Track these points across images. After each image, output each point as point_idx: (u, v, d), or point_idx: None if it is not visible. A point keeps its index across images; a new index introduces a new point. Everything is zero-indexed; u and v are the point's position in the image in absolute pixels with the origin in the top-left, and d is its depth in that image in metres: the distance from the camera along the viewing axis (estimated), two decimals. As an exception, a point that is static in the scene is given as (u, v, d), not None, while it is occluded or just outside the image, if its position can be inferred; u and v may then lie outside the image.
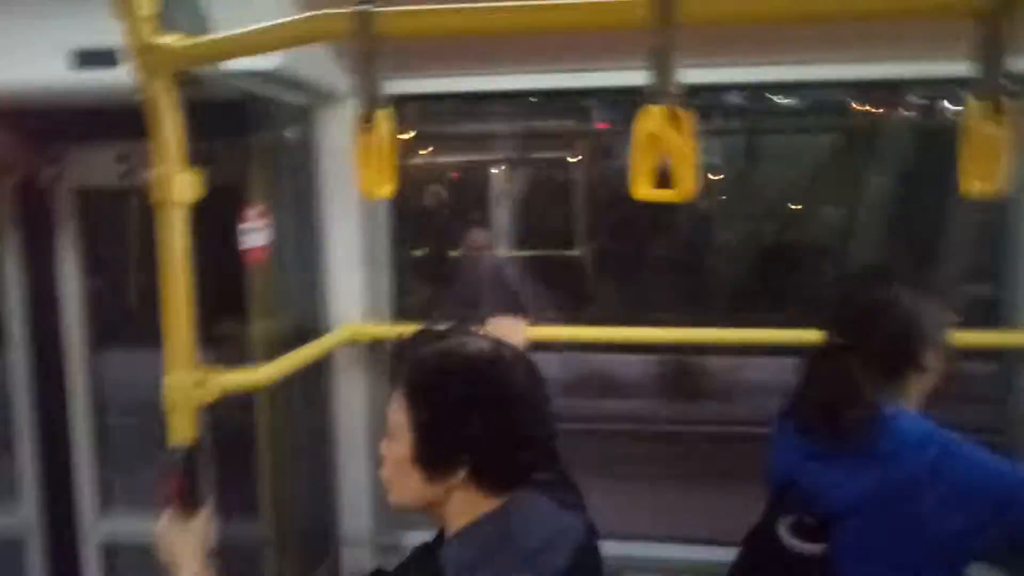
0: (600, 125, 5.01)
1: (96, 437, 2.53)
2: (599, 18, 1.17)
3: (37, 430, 2.54)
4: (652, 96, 1.18)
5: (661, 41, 1.15)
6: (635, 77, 2.05)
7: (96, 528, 2.53)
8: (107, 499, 2.59)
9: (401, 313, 2.51)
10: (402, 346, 1.28)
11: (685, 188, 1.18)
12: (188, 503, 1.55)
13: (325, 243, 2.32)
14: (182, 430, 1.54)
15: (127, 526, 2.55)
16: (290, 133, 2.14)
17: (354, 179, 2.25)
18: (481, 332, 1.31)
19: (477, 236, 5.11)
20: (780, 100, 4.19)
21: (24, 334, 2.50)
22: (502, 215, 5.88)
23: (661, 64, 1.17)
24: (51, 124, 2.24)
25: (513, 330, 2.14)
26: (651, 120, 1.18)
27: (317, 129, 2.23)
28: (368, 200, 2.30)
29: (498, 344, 1.23)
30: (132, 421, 2.67)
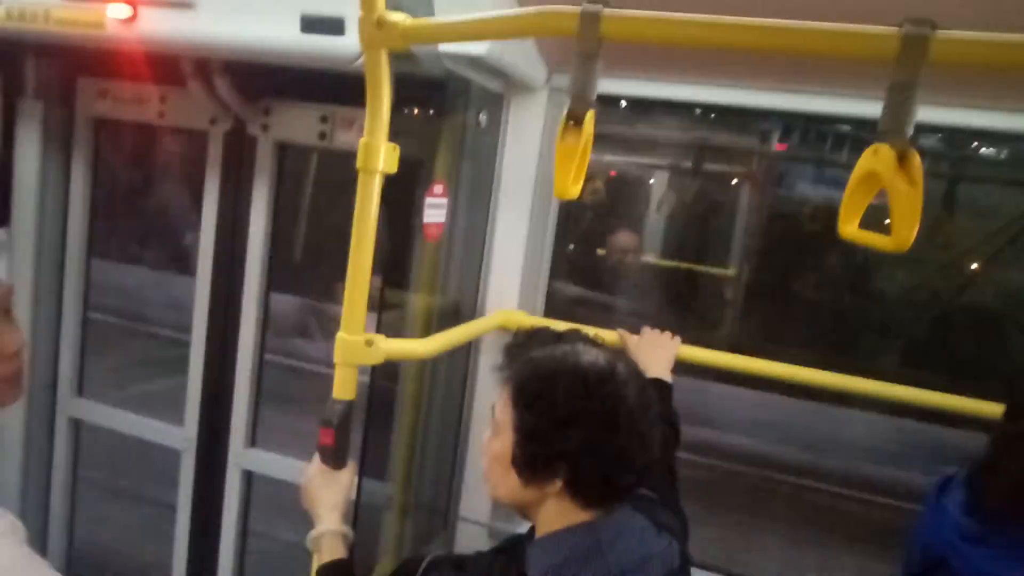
0: (778, 146, 4.78)
1: (255, 373, 2.72)
2: (847, 46, 1.10)
3: (207, 356, 2.77)
4: (884, 134, 1.10)
5: (907, 78, 1.07)
6: (840, 105, 1.97)
7: (243, 456, 2.73)
8: (255, 432, 2.79)
9: (552, 307, 2.53)
10: (518, 342, 1.27)
11: (903, 237, 1.10)
12: (339, 455, 1.64)
13: (494, 228, 2.36)
14: (345, 385, 1.63)
15: (268, 460, 2.73)
16: (481, 117, 2.19)
17: (533, 169, 2.31)
18: (599, 341, 1.29)
19: (625, 239, 5.04)
20: (987, 149, 3.83)
21: (209, 268, 2.72)
22: (656, 222, 5.76)
23: (901, 102, 1.09)
24: (267, 80, 2.43)
25: (661, 344, 2.09)
26: (878, 159, 1.11)
27: (506, 116, 2.27)
28: (542, 193, 2.33)
29: (614, 358, 1.20)
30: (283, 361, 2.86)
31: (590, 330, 1.34)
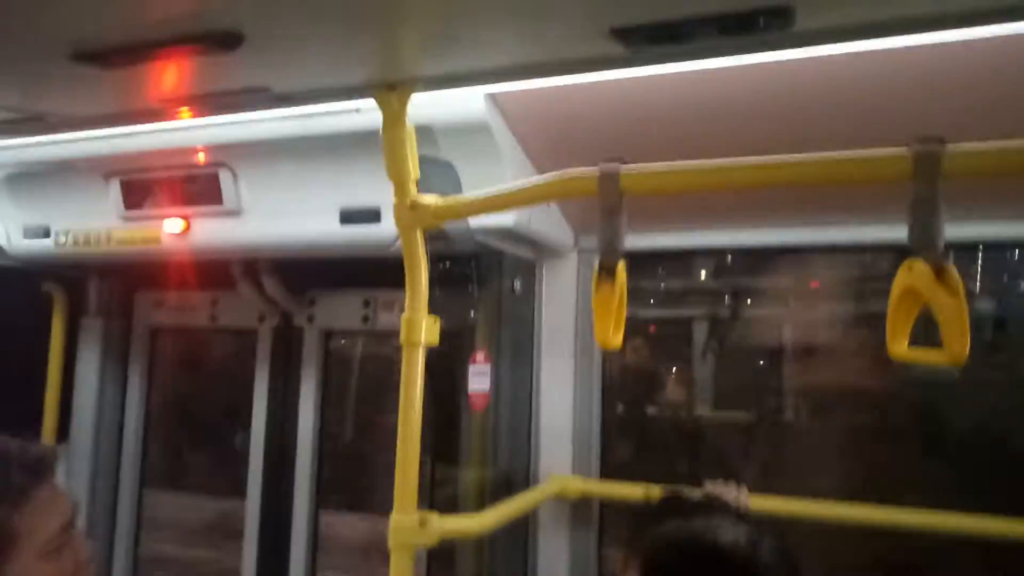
0: (813, 283, 4.77)
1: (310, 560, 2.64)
2: (861, 172, 1.14)
3: (259, 551, 2.71)
4: (916, 250, 1.10)
5: (927, 192, 1.09)
6: (865, 233, 1.99)
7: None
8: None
9: (606, 469, 2.44)
10: (647, 513, 1.18)
11: (956, 351, 1.07)
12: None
13: (539, 392, 2.35)
14: (402, 569, 1.56)
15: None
16: (516, 285, 2.25)
17: (571, 330, 2.33)
18: (739, 511, 1.17)
19: (674, 394, 4.95)
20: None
21: (260, 464, 2.72)
22: (703, 372, 5.66)
23: (926, 217, 1.10)
24: (311, 273, 2.56)
25: (728, 497, 1.98)
26: (914, 275, 1.11)
27: (540, 282, 2.34)
28: (584, 352, 2.33)
29: (757, 536, 1.08)
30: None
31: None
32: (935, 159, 1.08)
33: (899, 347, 1.11)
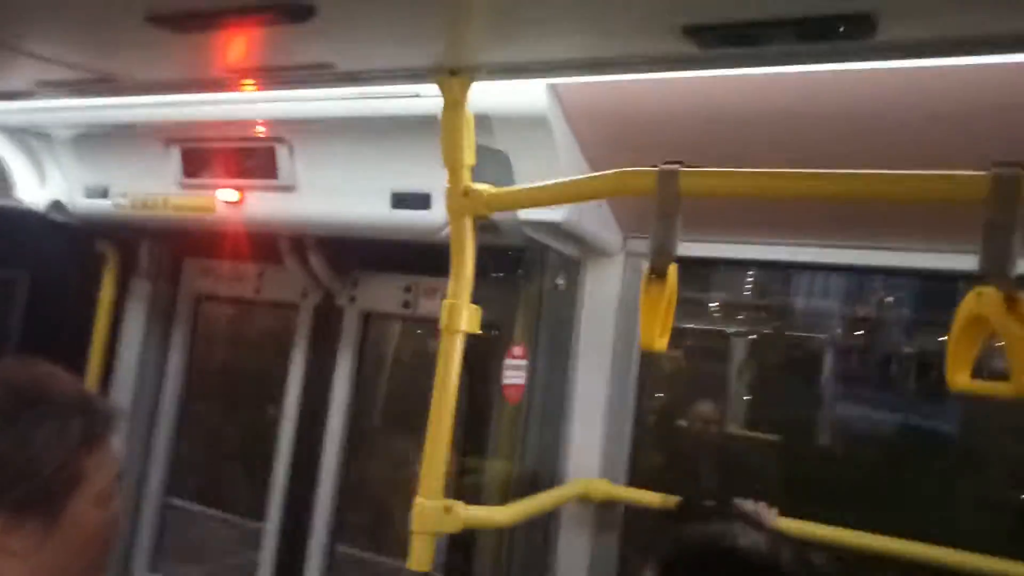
0: (860, 308, 4.66)
1: (332, 535, 2.66)
2: (933, 192, 1.10)
3: (281, 526, 2.74)
4: (987, 277, 1.06)
5: (1003, 218, 1.04)
6: (919, 260, 1.92)
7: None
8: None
9: (635, 476, 2.40)
10: (665, 519, 1.17)
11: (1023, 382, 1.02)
12: (415, 632, 1.53)
13: (573, 392, 2.33)
14: (422, 556, 1.56)
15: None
16: (559, 282, 2.23)
17: (610, 333, 2.30)
18: (758, 520, 1.16)
19: (706, 409, 4.87)
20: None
21: (291, 434, 2.75)
22: (739, 390, 5.57)
23: (999, 243, 1.05)
24: (355, 253, 2.58)
25: (756, 519, 1.94)
26: (983, 303, 1.06)
27: (584, 281, 2.31)
28: (622, 356, 2.30)
29: (777, 542, 1.07)
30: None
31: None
32: (1015, 183, 1.04)
33: (961, 378, 1.07)
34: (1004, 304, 1.03)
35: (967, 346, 1.11)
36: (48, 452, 1.08)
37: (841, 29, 1.06)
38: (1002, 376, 1.04)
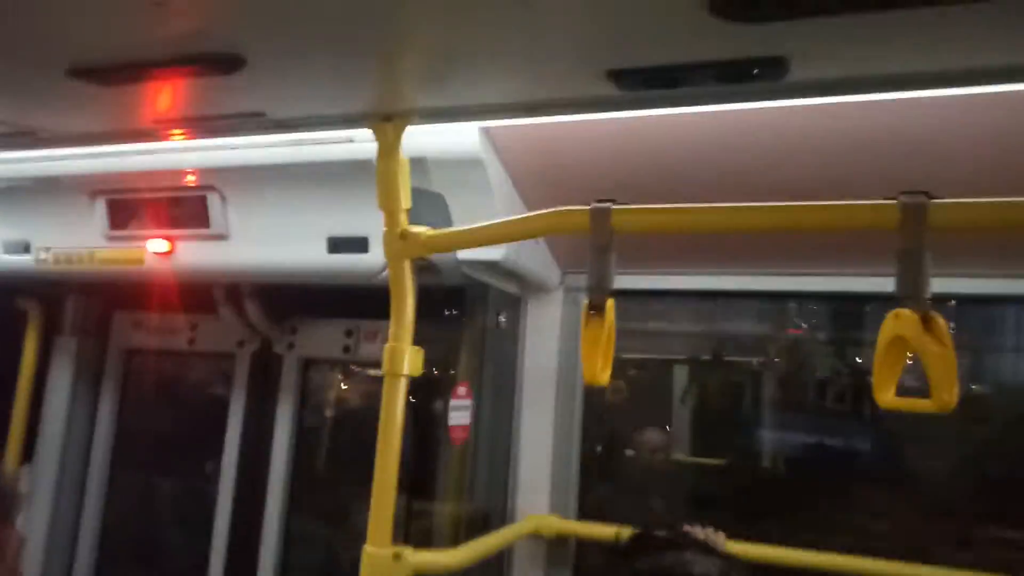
0: (792, 331, 4.81)
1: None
2: (849, 220, 1.16)
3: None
4: (903, 300, 1.12)
5: (914, 243, 1.11)
6: (847, 283, 2.02)
7: None
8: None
9: (583, 510, 2.41)
10: (621, 551, 1.18)
11: (944, 398, 1.08)
12: None
13: (519, 428, 2.33)
14: (374, 605, 1.52)
15: None
16: (500, 319, 2.25)
17: (553, 367, 2.32)
18: (708, 547, 1.18)
19: (652, 437, 4.92)
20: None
21: (231, 487, 2.67)
22: (682, 417, 5.64)
23: (912, 267, 1.12)
24: (294, 300, 2.54)
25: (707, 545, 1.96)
26: (901, 324, 1.12)
27: (524, 317, 2.33)
28: (565, 390, 2.32)
29: (727, 568, 1.10)
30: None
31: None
32: (922, 211, 1.11)
33: (886, 396, 1.12)
34: (921, 324, 1.09)
35: (890, 365, 1.16)
36: None
37: (756, 72, 1.12)
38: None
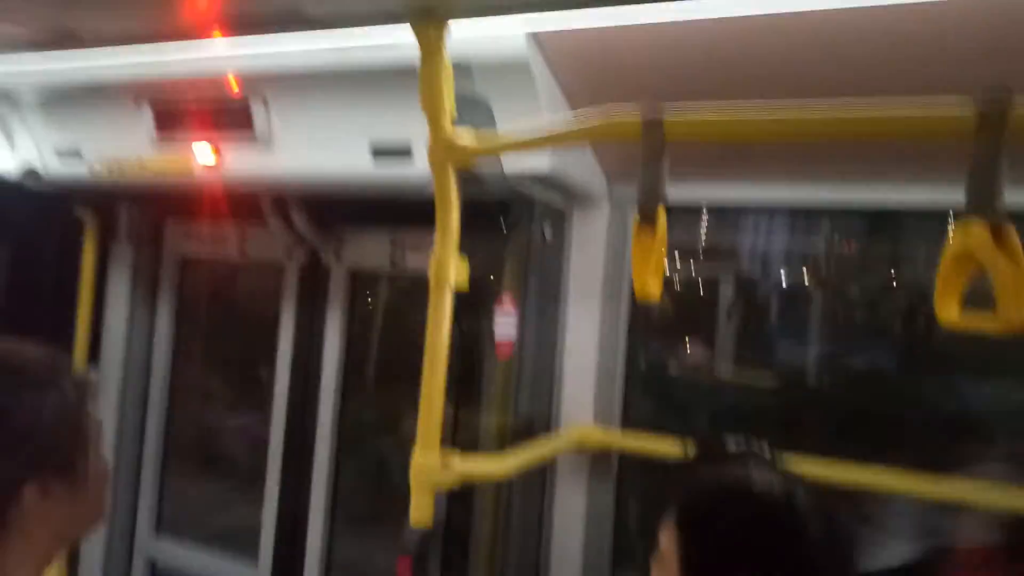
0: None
1: (330, 499, 2.68)
2: (919, 124, 1.08)
3: (281, 488, 2.76)
4: (974, 211, 1.05)
5: (990, 149, 1.03)
6: (908, 194, 1.91)
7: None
8: (329, 563, 2.71)
9: (628, 421, 2.43)
10: (681, 467, 1.17)
11: (1013, 317, 1.02)
12: (417, 584, 1.55)
13: (563, 342, 2.33)
14: (422, 510, 1.57)
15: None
16: (546, 232, 2.21)
17: (599, 280, 2.29)
18: (772, 462, 1.15)
19: (695, 352, 4.90)
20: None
21: (284, 398, 2.76)
22: (728, 332, 5.60)
23: (986, 174, 1.04)
24: (340, 211, 2.54)
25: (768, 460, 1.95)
26: (970, 236, 1.05)
27: (570, 231, 2.29)
28: (611, 303, 2.30)
29: (793, 484, 1.07)
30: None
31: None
32: (1002, 111, 1.02)
33: (950, 312, 1.06)
34: (991, 238, 1.03)
35: (955, 280, 1.10)
36: (61, 420, 1.14)
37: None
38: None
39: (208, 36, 1.68)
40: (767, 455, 1.13)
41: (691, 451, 1.16)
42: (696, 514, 1.07)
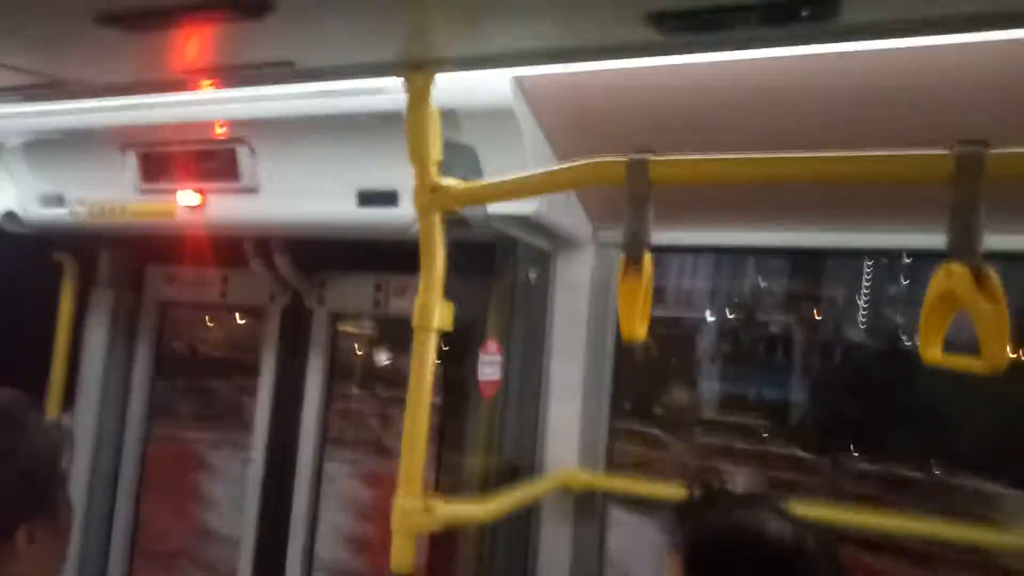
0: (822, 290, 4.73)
1: (308, 544, 2.63)
2: (900, 172, 1.10)
3: (259, 527, 2.70)
4: (955, 254, 1.07)
5: (969, 196, 1.06)
6: (890, 239, 1.95)
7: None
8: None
9: (611, 464, 2.41)
10: (689, 506, 1.16)
11: (994, 358, 1.04)
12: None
13: (548, 384, 2.32)
14: (403, 556, 1.54)
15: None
16: (531, 275, 2.22)
17: (583, 323, 2.30)
18: (780, 507, 1.15)
19: (679, 396, 4.91)
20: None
21: (264, 436, 2.71)
22: (711, 376, 5.62)
23: (966, 220, 1.07)
24: (324, 255, 2.54)
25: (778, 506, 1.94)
26: (952, 280, 1.07)
27: (555, 273, 2.30)
28: (595, 346, 2.30)
29: (802, 529, 1.07)
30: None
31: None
32: (978, 161, 1.05)
33: (932, 352, 1.08)
34: (973, 280, 1.05)
35: (937, 322, 1.12)
36: (45, 461, 1.15)
37: (805, 12, 1.07)
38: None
39: (197, 88, 1.70)
40: (776, 499, 1.12)
41: (697, 491, 1.15)
42: (705, 555, 1.06)
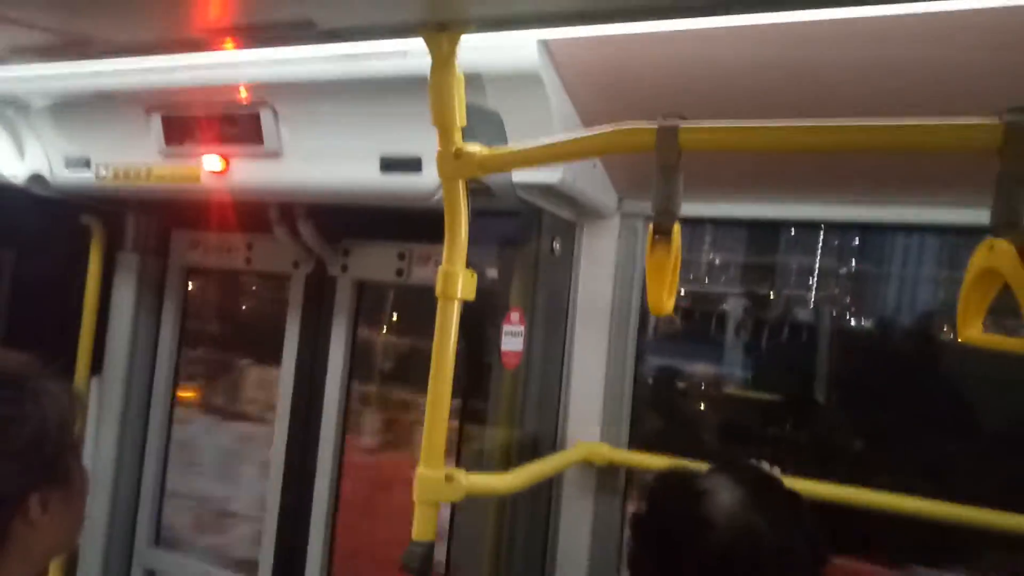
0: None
1: (330, 517, 2.65)
2: (943, 140, 1.05)
3: (281, 498, 2.73)
4: (999, 229, 1.02)
5: (1017, 167, 1.00)
6: (925, 214, 1.89)
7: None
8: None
9: (635, 439, 2.40)
10: (655, 482, 1.17)
11: (1039, 338, 0.99)
12: (420, 600, 1.52)
13: (571, 356, 2.30)
14: (425, 525, 1.54)
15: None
16: (555, 245, 2.19)
17: (608, 295, 2.27)
18: (756, 474, 1.15)
19: (703, 370, 4.87)
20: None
21: (287, 410, 2.73)
22: (735, 349, 5.56)
23: (1013, 193, 1.02)
24: (347, 222, 2.52)
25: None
26: (995, 256, 1.02)
27: (579, 244, 2.27)
28: (619, 318, 2.27)
29: (754, 499, 1.05)
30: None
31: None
32: (1028, 129, 0.99)
33: (972, 331, 1.04)
34: (1017, 257, 1.00)
35: (978, 299, 1.08)
36: (56, 427, 1.13)
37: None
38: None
39: (219, 48, 1.67)
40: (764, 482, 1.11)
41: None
42: (643, 523, 1.12)
